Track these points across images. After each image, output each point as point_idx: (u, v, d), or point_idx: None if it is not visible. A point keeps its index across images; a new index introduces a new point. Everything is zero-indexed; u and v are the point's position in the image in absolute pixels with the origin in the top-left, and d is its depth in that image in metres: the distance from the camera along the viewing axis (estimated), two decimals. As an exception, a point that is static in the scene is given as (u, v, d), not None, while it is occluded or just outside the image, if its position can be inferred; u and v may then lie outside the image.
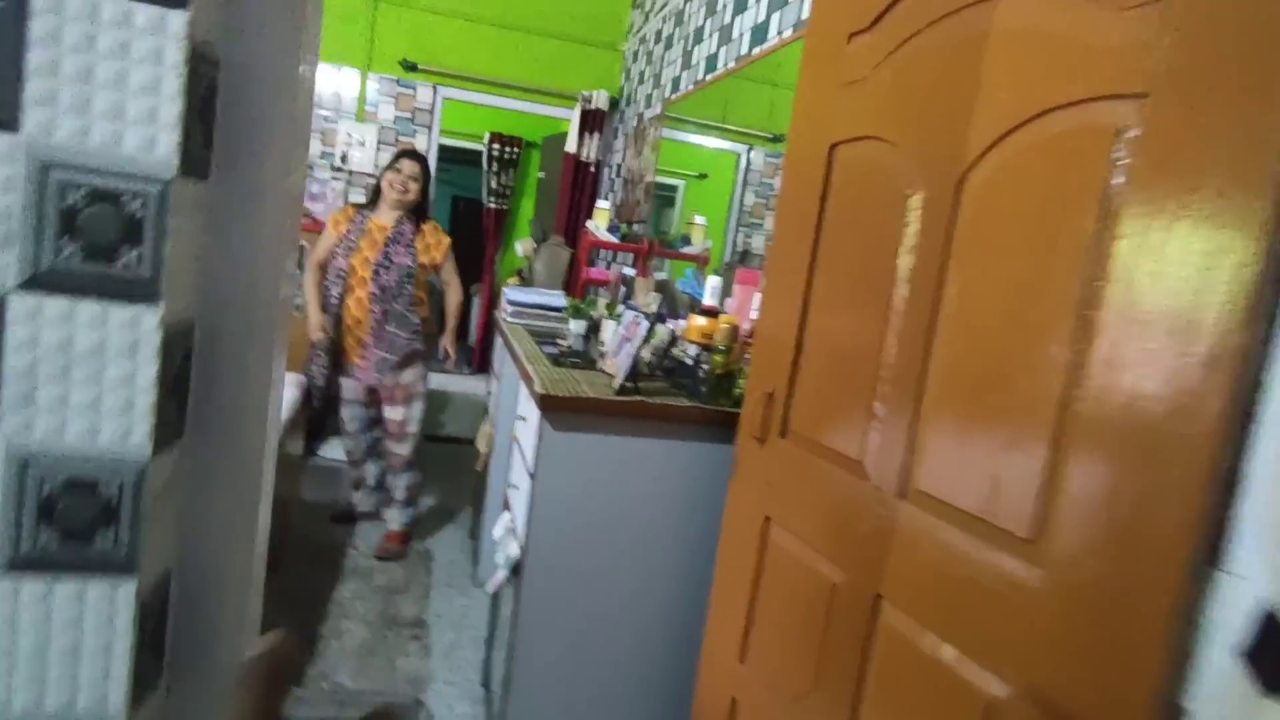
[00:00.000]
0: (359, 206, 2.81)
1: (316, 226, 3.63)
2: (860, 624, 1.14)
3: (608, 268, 3.33)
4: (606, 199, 4.29)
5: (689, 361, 1.80)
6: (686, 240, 3.06)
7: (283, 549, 2.77)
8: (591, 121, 4.21)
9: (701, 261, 3.00)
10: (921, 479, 1.06)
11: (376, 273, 2.66)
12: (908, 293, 1.12)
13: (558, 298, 2.77)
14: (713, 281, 1.84)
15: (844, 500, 1.22)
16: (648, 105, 3.73)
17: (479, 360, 6.58)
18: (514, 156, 6.37)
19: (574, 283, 3.18)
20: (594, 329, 2.65)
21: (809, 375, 1.36)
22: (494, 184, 6.44)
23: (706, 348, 1.79)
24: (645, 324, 1.67)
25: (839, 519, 1.22)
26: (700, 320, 1.81)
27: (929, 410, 1.06)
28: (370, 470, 2.94)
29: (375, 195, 2.79)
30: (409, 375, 2.76)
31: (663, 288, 2.74)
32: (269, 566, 2.56)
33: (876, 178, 1.24)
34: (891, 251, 1.16)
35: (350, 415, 2.81)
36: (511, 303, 2.75)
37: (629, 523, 1.65)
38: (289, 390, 2.69)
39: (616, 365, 1.77)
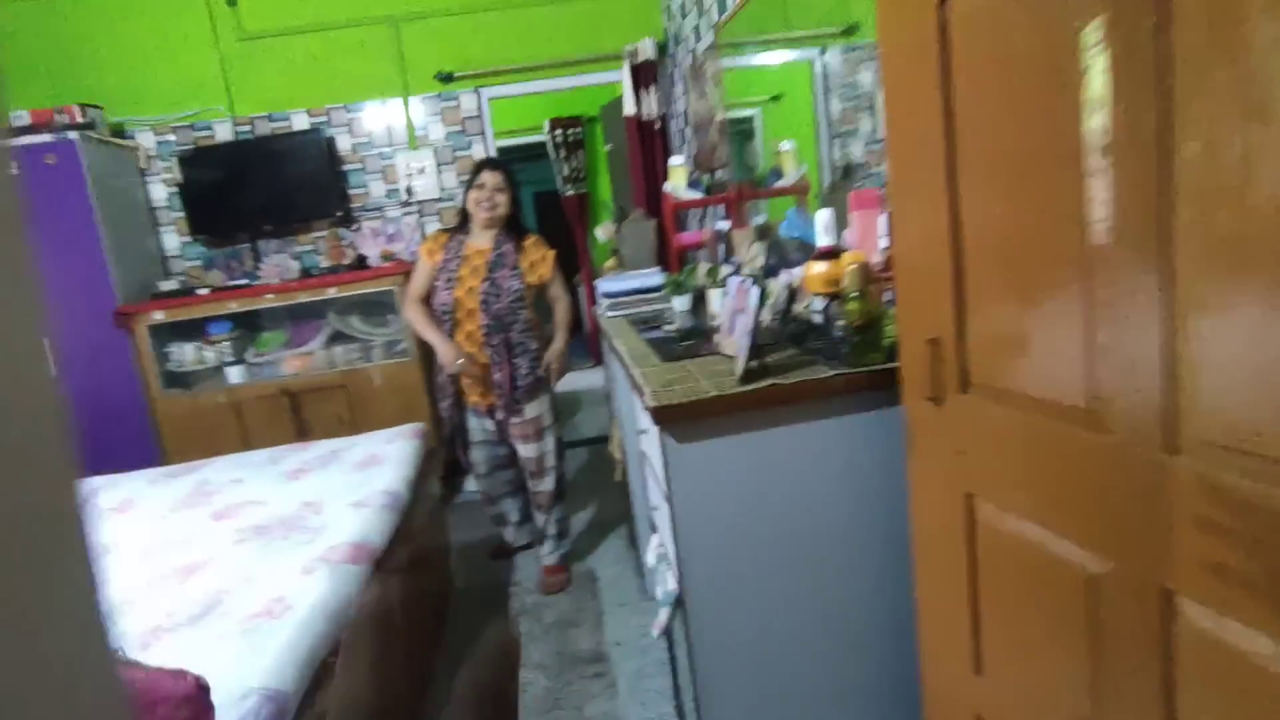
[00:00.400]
0: (450, 231, 2.65)
1: (401, 268, 3.56)
2: (1148, 627, 0.83)
3: (701, 227, 3.04)
4: (680, 153, 3.97)
5: (818, 319, 1.50)
6: (778, 173, 2.72)
7: (447, 599, 2.72)
8: (644, 75, 3.90)
9: (800, 192, 2.65)
10: (1202, 422, 0.74)
11: (486, 302, 2.50)
12: (1114, 157, 0.78)
13: (653, 276, 2.52)
14: (823, 217, 1.53)
15: (1079, 465, 0.90)
16: (698, 38, 3.37)
17: (597, 353, 6.47)
18: (577, 137, 6.15)
19: (667, 254, 2.91)
20: (700, 299, 2.39)
21: (983, 303, 1.04)
22: (566, 170, 6.25)
23: (835, 297, 1.48)
24: (755, 290, 1.38)
25: (1078, 490, 0.91)
26: (819, 266, 1.50)
27: (1189, 318, 0.73)
28: (510, 506, 2.84)
29: (464, 218, 2.62)
30: (534, 408, 2.59)
31: (765, 233, 2.43)
32: (440, 616, 2.44)
33: (1019, 18, 0.90)
34: (1070, 109, 0.82)
35: (481, 457, 2.70)
36: (606, 295, 2.53)
37: (794, 527, 1.39)
38: (407, 442, 2.61)
39: (734, 345, 1.51)
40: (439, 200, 4.04)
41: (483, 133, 4.03)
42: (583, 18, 3.98)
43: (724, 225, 2.48)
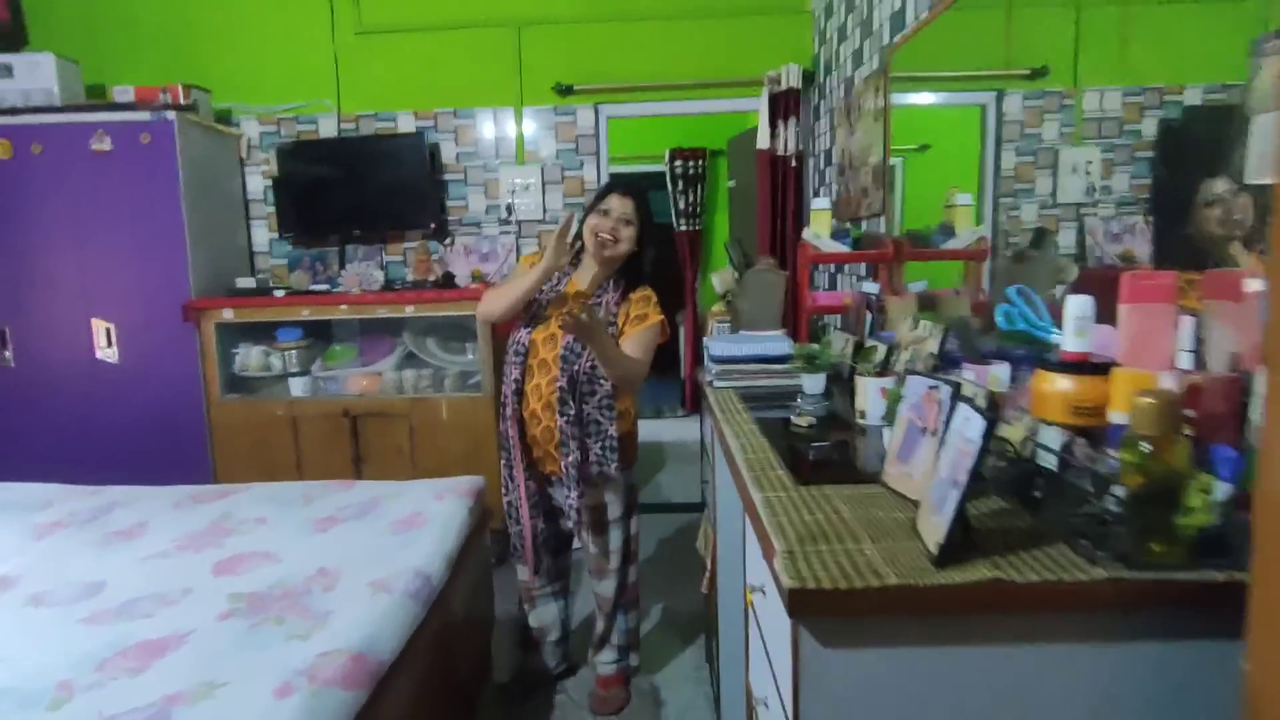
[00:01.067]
0: None
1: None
2: None
3: (835, 286, 2.52)
4: (819, 195, 3.48)
5: (1050, 462, 0.97)
6: (947, 230, 2.19)
7: (478, 697, 2.27)
8: (784, 106, 3.44)
9: (976, 257, 2.11)
10: None
11: (565, 358, 2.00)
12: None
13: (777, 342, 2.03)
14: (1077, 307, 1.01)
15: None
16: (858, 64, 2.89)
17: (691, 400, 5.98)
18: (699, 170, 5.76)
19: (797, 316, 2.41)
20: (839, 380, 1.89)
21: None
22: (681, 204, 5.86)
23: (1083, 433, 0.95)
24: (971, 413, 0.87)
25: None
26: (1062, 382, 0.98)
27: None
28: (551, 615, 2.30)
29: (578, 247, 2.14)
30: (598, 495, 2.10)
31: (929, 305, 1.90)
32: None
33: None
34: None
35: (539, 529, 2.18)
36: (716, 359, 2.05)
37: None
38: (458, 502, 2.20)
39: (918, 487, 1.00)
40: (540, 222, 3.68)
41: (597, 153, 3.66)
42: (721, 37, 3.57)
43: (871, 288, 1.97)
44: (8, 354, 3.25)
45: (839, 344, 2.00)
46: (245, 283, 3.34)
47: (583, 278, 2.12)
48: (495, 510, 3.24)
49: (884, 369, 1.62)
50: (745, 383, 1.97)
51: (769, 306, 2.27)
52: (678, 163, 5.75)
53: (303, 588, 1.73)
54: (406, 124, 3.64)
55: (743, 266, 2.35)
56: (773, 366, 1.96)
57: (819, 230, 2.25)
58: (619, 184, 2.11)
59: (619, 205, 2.04)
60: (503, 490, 2.18)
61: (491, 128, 3.65)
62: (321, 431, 3.22)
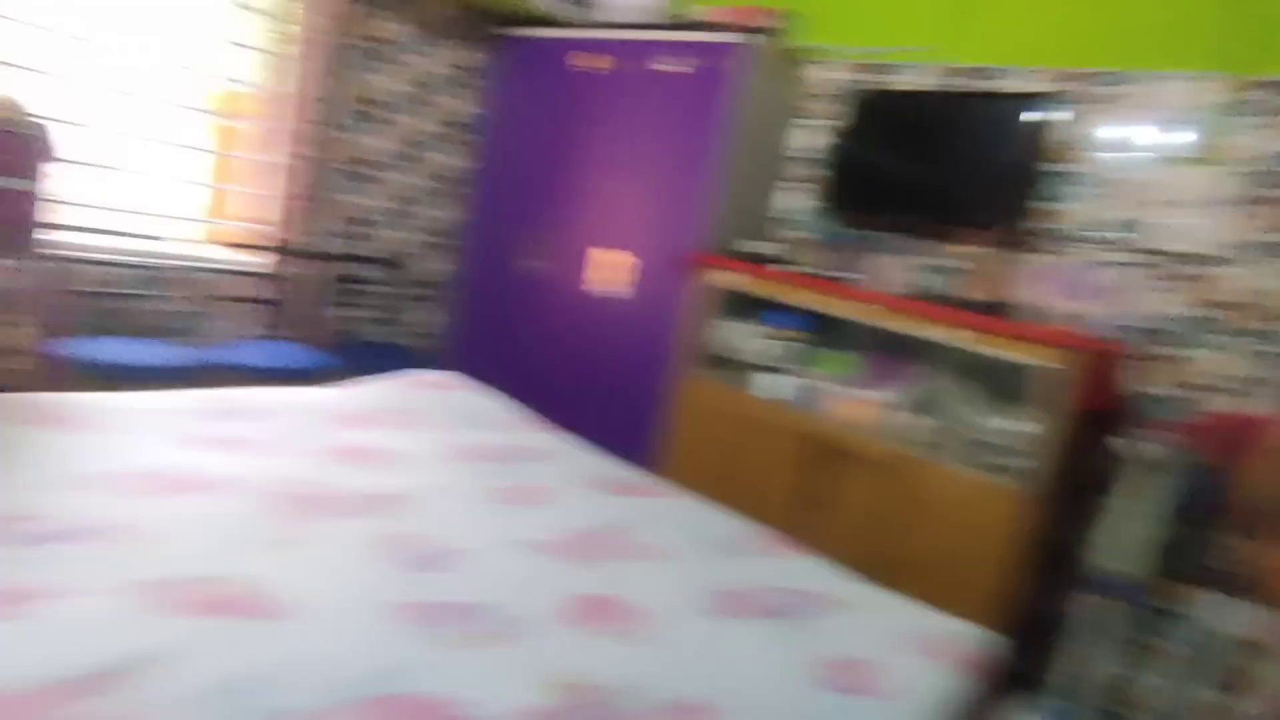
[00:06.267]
0: None
1: (1084, 343, 2.10)
2: None
3: None
4: None
5: None
6: None
7: None
8: None
9: None
10: None
11: None
12: None
13: None
14: None
15: None
16: None
17: None
18: None
19: None
20: None
21: None
22: None
23: None
24: None
25: None
26: None
27: None
28: None
29: None
30: None
31: None
32: None
33: None
34: None
35: None
36: None
37: None
38: (940, 672, 1.26)
39: None
40: (1199, 260, 2.38)
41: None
42: None
43: None
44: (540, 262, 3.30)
45: None
46: (759, 247, 2.81)
47: None
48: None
49: None
50: None
51: None
52: None
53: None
54: (1019, 83, 2.68)
55: None
56: None
57: None
58: None
59: None
60: None
61: (1145, 104, 2.46)
62: (778, 452, 2.55)
